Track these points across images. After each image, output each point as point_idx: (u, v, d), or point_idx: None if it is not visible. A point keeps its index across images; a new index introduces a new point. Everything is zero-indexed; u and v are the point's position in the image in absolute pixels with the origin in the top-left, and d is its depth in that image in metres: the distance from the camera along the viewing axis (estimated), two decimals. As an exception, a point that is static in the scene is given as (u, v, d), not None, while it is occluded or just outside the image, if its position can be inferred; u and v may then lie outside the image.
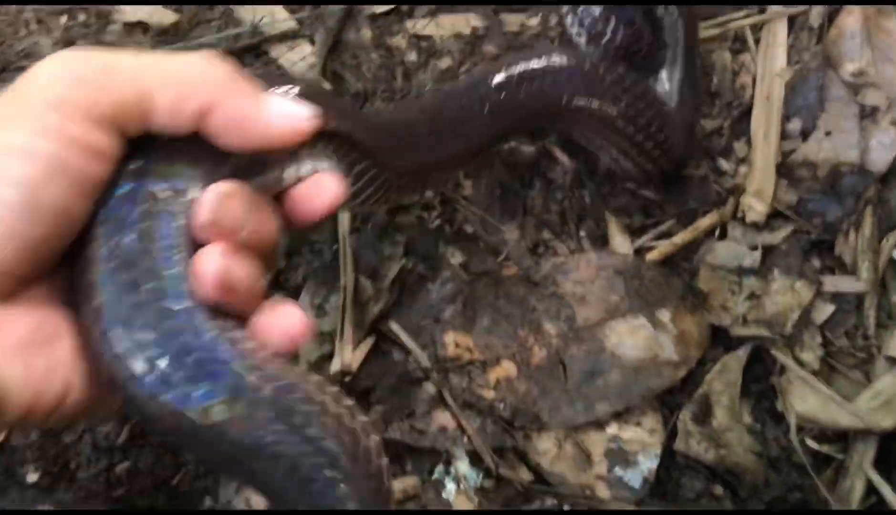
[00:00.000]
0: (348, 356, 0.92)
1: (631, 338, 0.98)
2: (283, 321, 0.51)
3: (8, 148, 0.42)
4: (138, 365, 0.44)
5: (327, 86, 1.14)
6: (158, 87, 0.45)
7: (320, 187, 0.54)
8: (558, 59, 0.97)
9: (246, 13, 1.18)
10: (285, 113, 0.50)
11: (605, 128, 1.00)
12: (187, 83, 0.46)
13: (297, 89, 0.55)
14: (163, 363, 0.45)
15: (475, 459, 0.93)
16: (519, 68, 0.95)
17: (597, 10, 1.05)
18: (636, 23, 1.06)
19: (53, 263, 0.45)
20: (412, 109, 0.89)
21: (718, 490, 0.95)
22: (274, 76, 0.55)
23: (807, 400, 0.94)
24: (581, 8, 1.06)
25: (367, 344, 0.96)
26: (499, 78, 0.94)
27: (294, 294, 1.00)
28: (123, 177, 0.46)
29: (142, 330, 0.45)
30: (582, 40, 1.07)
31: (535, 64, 0.96)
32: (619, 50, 1.06)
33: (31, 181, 0.41)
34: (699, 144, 1.18)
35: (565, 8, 1.09)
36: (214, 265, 0.46)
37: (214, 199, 0.47)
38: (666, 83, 1.15)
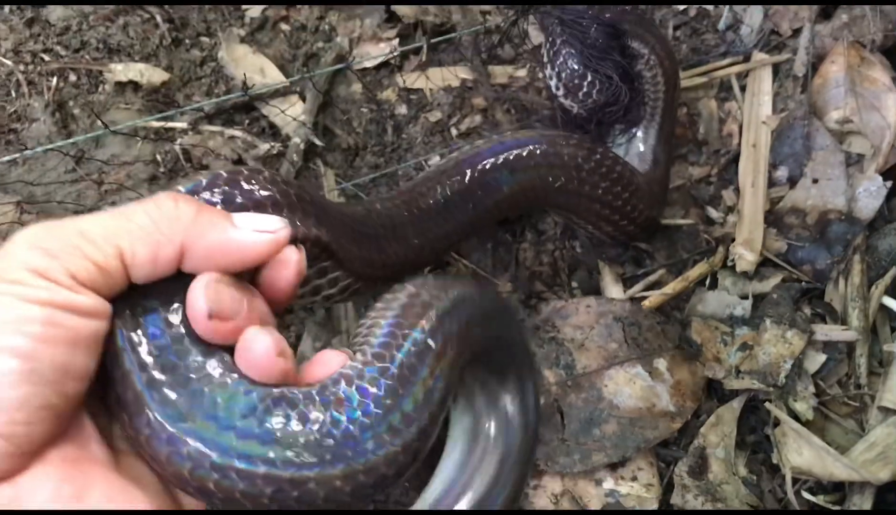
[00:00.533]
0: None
1: (628, 388, 0.98)
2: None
3: (1, 322, 0.42)
4: (215, 452, 0.45)
5: (318, 142, 1.14)
6: (133, 246, 0.46)
7: (283, 262, 0.54)
8: (539, 147, 0.97)
9: (236, 70, 1.19)
10: (257, 230, 0.51)
11: (583, 210, 1.02)
12: (158, 234, 0.47)
13: (269, 195, 0.57)
14: (235, 441, 0.46)
15: None
16: (499, 158, 0.95)
17: (574, 64, 1.06)
18: (613, 78, 1.07)
19: (64, 424, 0.45)
20: (392, 205, 0.88)
21: (716, 543, 0.94)
22: (246, 178, 0.55)
23: (802, 452, 0.94)
24: (559, 61, 1.07)
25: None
26: (479, 169, 0.93)
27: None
28: (132, 316, 0.48)
29: (204, 419, 0.46)
30: (560, 93, 1.08)
31: (515, 153, 0.96)
32: (597, 103, 1.07)
33: (29, 348, 0.42)
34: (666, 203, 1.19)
35: (544, 60, 1.10)
36: (265, 344, 0.48)
37: (205, 290, 0.47)
38: (640, 144, 1.17)
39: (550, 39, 1.08)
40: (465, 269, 1.09)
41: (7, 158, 1.01)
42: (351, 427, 0.49)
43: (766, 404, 0.98)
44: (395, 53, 1.25)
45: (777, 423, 0.97)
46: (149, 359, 0.47)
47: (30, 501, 0.42)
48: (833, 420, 1.01)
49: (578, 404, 0.98)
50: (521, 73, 1.30)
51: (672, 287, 1.10)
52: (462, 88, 1.25)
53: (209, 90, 1.17)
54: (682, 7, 1.41)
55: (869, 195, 1.14)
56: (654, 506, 0.93)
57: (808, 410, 0.98)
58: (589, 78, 1.05)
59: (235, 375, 0.48)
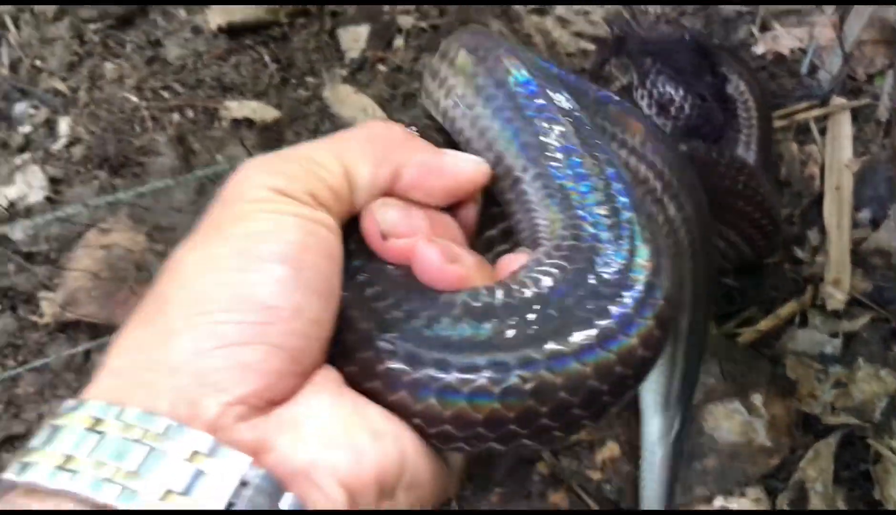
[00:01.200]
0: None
1: (727, 422, 1.01)
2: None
3: (256, 233, 0.41)
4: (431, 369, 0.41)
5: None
6: (357, 164, 0.46)
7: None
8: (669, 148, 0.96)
9: (341, 109, 1.24)
10: (467, 160, 0.50)
11: (726, 209, 1.00)
12: (376, 152, 0.47)
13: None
14: (446, 353, 0.42)
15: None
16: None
17: (665, 81, 1.08)
18: (706, 99, 1.10)
19: (325, 349, 0.43)
20: None
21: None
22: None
23: (905, 488, 0.97)
24: (649, 80, 1.10)
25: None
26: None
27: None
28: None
29: (432, 350, 0.42)
30: (653, 112, 1.11)
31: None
32: (689, 123, 1.10)
33: (293, 255, 0.40)
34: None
35: (635, 81, 1.14)
36: (433, 253, 0.45)
37: (376, 211, 0.47)
38: None
39: (639, 64, 1.11)
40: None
41: (132, 192, 1.07)
42: (566, 304, 0.42)
43: (868, 440, 1.01)
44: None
45: (877, 460, 1.00)
46: (354, 284, 0.45)
47: (312, 418, 0.39)
48: (927, 459, 1.04)
49: (680, 437, 1.01)
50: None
51: (764, 324, 1.13)
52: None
53: (316, 127, 1.23)
54: (759, 51, 1.45)
55: (954, 238, 1.17)
56: (764, 521, 0.96)
57: (904, 448, 1.01)
58: (681, 92, 1.08)
59: (430, 291, 0.45)
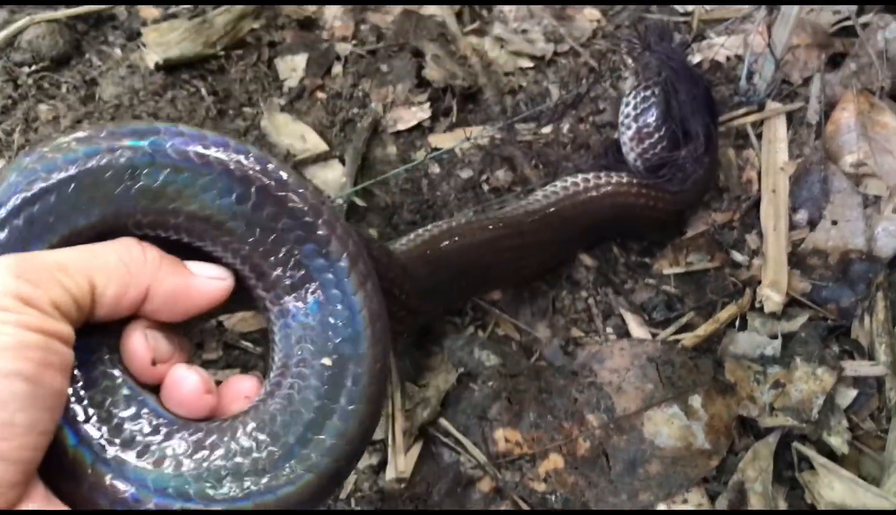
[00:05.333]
0: (402, 462, 0.96)
1: (666, 428, 1.02)
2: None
3: (2, 348, 0.42)
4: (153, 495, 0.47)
5: (360, 202, 1.20)
6: (104, 282, 0.48)
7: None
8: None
9: (279, 137, 1.25)
10: (210, 279, 0.54)
11: None
12: (129, 275, 0.49)
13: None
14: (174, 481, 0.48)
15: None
16: None
17: (654, 115, 1.14)
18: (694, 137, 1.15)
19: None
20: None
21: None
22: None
23: (833, 486, 0.98)
24: (643, 106, 1.15)
25: (418, 447, 1.00)
26: None
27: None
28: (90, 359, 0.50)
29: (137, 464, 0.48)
30: (628, 135, 1.17)
31: None
32: (654, 158, 1.17)
33: (33, 373, 0.43)
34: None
35: (628, 94, 1.17)
36: (194, 383, 0.51)
37: (145, 337, 0.51)
38: None
39: (645, 80, 1.15)
40: (503, 319, 1.14)
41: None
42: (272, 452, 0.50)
43: (795, 444, 1.02)
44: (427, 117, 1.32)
45: (804, 461, 1.01)
46: (85, 401, 0.49)
47: None
48: (867, 454, 1.05)
49: (622, 446, 1.02)
50: (546, 130, 1.36)
51: (704, 329, 1.14)
52: (491, 145, 1.31)
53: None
54: (695, 61, 1.47)
55: (888, 234, 1.19)
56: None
57: (842, 444, 1.02)
58: (662, 133, 1.13)
59: (163, 418, 0.50)
